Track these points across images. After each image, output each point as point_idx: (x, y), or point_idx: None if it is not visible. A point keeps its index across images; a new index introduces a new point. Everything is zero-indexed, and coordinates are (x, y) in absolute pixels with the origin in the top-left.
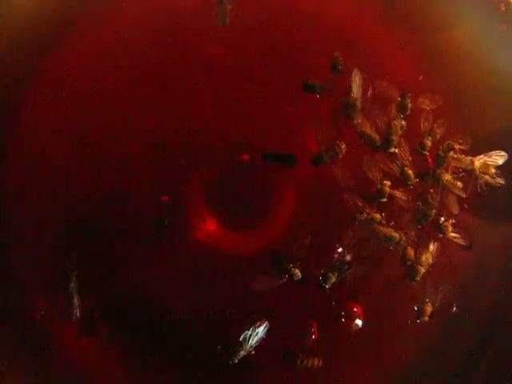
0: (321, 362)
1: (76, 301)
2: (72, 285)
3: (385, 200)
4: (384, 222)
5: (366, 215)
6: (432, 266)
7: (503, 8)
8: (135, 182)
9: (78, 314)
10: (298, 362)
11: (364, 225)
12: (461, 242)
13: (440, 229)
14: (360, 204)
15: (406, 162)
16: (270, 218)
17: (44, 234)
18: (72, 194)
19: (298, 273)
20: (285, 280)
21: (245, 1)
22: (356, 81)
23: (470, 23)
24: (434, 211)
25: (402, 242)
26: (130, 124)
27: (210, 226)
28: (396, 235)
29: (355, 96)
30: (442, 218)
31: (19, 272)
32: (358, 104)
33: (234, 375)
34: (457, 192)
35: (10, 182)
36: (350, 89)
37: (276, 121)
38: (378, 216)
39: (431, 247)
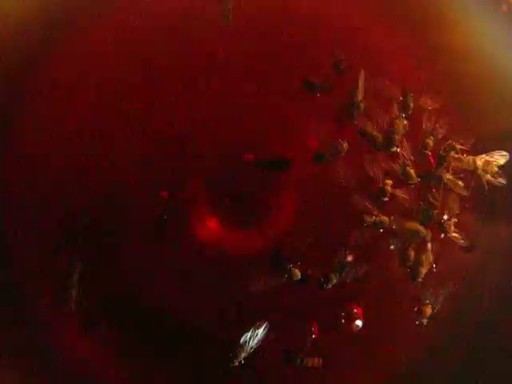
0: (321, 361)
1: (74, 293)
2: (74, 276)
3: (387, 199)
4: (393, 224)
5: (374, 218)
6: (433, 266)
7: (505, 8)
8: (136, 180)
9: (73, 306)
10: (298, 362)
11: (372, 227)
12: (462, 242)
13: (442, 228)
14: (369, 206)
15: (408, 162)
16: (272, 217)
17: (44, 232)
18: (72, 191)
19: (297, 273)
20: (284, 280)
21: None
22: (362, 82)
23: (472, 23)
24: (436, 211)
25: (427, 238)
26: (131, 122)
27: (211, 224)
28: (423, 230)
29: (360, 97)
30: (445, 217)
31: (20, 271)
32: (362, 105)
33: (234, 375)
34: (458, 191)
35: (11, 180)
36: (354, 90)
37: (277, 119)
38: (386, 219)
39: (429, 246)
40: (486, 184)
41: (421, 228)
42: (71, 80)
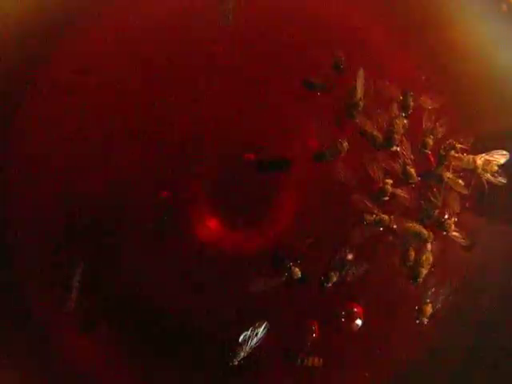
0: (321, 361)
1: (74, 293)
2: (74, 276)
3: (387, 198)
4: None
5: (374, 216)
6: (433, 266)
7: (505, 8)
8: (136, 180)
9: (73, 306)
10: (299, 361)
11: (372, 225)
12: (462, 241)
13: (443, 227)
14: (369, 205)
15: (408, 161)
16: (272, 216)
17: (44, 232)
18: (72, 191)
19: (297, 272)
20: (284, 279)
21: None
22: (361, 81)
23: (472, 23)
24: (436, 210)
25: (430, 240)
26: (131, 122)
27: (211, 224)
28: (425, 232)
29: (359, 96)
30: (445, 216)
31: (20, 271)
32: (361, 104)
33: (234, 374)
34: (459, 189)
35: (11, 180)
36: (353, 89)
37: (277, 119)
38: (386, 217)
39: (429, 246)
40: (485, 183)
41: (423, 230)
42: (71, 80)
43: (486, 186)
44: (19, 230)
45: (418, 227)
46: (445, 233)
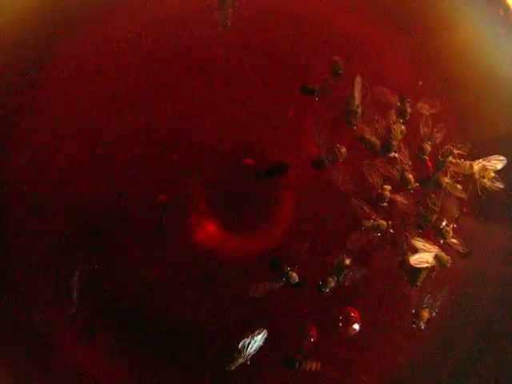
0: (319, 365)
1: (74, 295)
2: (74, 278)
3: (385, 204)
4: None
5: (372, 222)
6: (432, 270)
7: (502, 13)
8: (136, 183)
9: (73, 308)
10: (297, 365)
11: (370, 231)
12: (460, 249)
13: (441, 234)
14: (367, 210)
15: (406, 167)
16: (270, 221)
17: (44, 233)
18: (72, 193)
19: (295, 276)
20: (282, 284)
21: (245, 4)
22: (358, 88)
23: (469, 28)
24: (435, 216)
25: (449, 264)
26: (131, 125)
27: (209, 228)
28: (445, 256)
29: (357, 103)
30: (443, 223)
31: (19, 272)
32: (359, 111)
33: (232, 378)
34: (457, 193)
35: (10, 181)
36: (351, 96)
37: (276, 124)
38: (384, 223)
39: None
40: (485, 188)
41: (443, 254)
42: (71, 81)
43: (484, 191)
44: (19, 230)
45: (439, 252)
46: (442, 240)
